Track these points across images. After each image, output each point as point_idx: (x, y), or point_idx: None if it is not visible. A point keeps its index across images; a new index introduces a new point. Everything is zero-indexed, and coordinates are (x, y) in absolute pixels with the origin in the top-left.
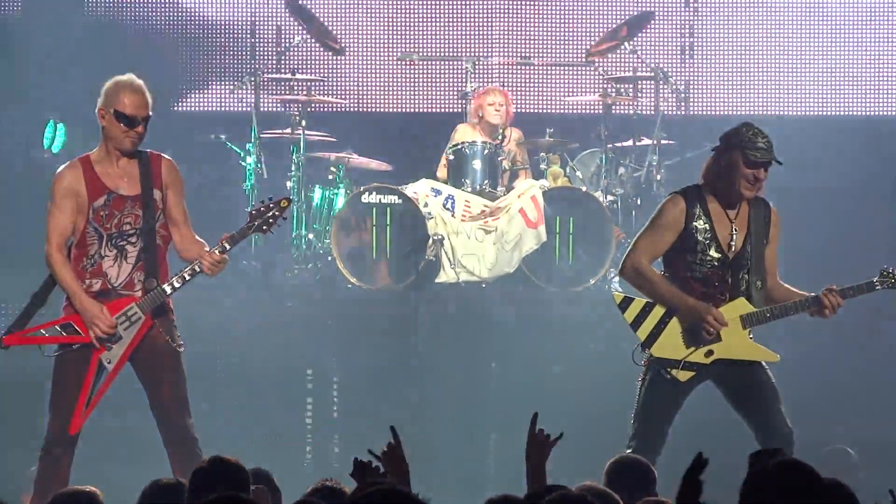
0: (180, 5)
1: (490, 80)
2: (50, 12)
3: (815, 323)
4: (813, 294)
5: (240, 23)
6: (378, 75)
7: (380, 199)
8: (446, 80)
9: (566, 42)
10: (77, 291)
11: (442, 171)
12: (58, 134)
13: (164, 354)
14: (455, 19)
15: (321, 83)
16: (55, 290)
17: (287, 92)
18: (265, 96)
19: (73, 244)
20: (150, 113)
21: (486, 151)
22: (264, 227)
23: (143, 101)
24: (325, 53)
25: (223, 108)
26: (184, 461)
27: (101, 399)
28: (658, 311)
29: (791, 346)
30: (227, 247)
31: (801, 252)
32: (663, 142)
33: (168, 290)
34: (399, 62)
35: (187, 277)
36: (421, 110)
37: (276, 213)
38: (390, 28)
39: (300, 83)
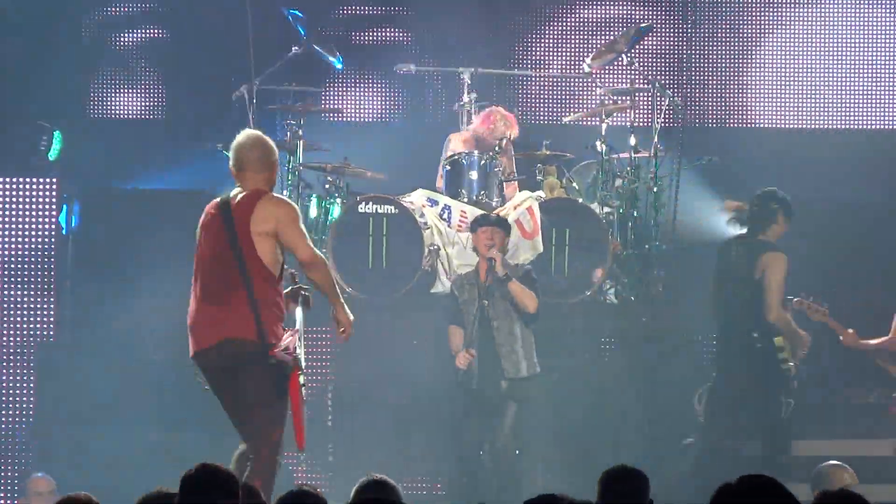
0: (177, 14)
1: (489, 91)
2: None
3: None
4: None
5: (237, 32)
6: (375, 86)
7: (376, 209)
8: (443, 90)
9: (564, 54)
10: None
11: (441, 182)
12: (54, 141)
13: None
14: (452, 31)
15: (318, 93)
16: None
17: (284, 102)
18: (262, 106)
19: (278, 275)
20: None
21: (482, 162)
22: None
23: None
24: (322, 63)
25: (220, 118)
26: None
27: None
28: None
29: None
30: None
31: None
32: (660, 154)
33: None
34: (396, 72)
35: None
36: (418, 121)
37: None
38: (388, 38)
39: (297, 93)
